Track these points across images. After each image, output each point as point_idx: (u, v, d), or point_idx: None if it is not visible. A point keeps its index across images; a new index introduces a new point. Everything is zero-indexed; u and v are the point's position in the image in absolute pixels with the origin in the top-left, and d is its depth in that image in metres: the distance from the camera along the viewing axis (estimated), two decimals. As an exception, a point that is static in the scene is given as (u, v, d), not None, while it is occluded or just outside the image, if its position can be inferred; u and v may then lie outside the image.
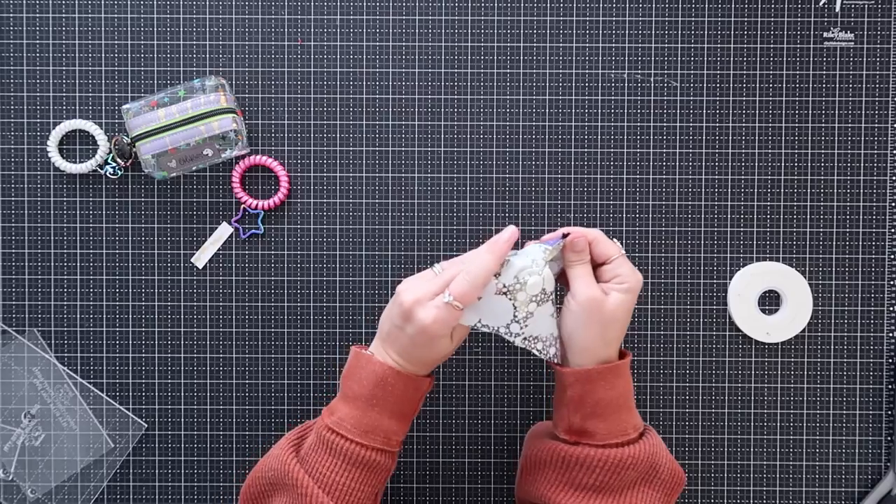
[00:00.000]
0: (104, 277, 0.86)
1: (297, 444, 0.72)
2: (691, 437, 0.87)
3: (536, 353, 0.71)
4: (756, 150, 0.86)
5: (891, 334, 0.87)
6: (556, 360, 0.72)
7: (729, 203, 0.87)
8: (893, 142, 0.86)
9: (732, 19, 0.86)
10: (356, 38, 0.86)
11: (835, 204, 0.87)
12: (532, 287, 0.69)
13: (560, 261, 0.73)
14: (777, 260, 0.87)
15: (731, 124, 0.86)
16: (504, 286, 0.69)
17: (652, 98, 0.86)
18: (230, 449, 0.87)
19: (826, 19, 0.86)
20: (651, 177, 0.87)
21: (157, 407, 0.87)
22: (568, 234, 0.72)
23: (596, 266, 0.73)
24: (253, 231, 0.86)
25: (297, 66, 0.86)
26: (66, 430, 0.86)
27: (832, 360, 0.87)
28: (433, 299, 0.68)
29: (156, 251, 0.86)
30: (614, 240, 0.73)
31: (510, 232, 0.69)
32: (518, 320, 0.70)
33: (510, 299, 0.69)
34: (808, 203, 0.87)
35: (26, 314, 0.86)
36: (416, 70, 0.86)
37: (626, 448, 0.69)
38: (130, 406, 0.87)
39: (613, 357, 0.71)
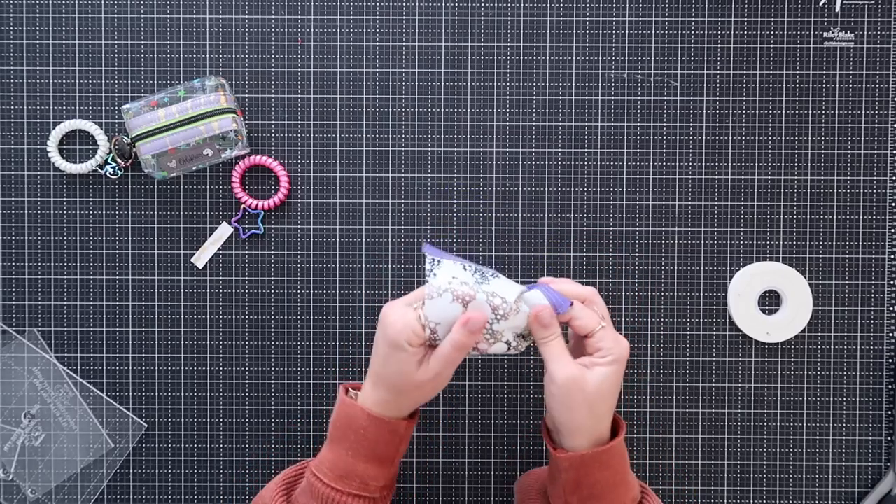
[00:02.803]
0: (104, 277, 0.86)
1: (290, 486, 0.71)
2: (691, 437, 0.87)
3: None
4: (756, 150, 0.86)
5: (891, 334, 0.87)
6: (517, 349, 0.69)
7: (729, 203, 0.87)
8: (893, 142, 0.87)
9: (732, 19, 0.86)
10: (356, 38, 0.86)
11: (835, 204, 0.87)
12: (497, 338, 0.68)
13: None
14: (777, 260, 0.87)
15: (731, 124, 0.86)
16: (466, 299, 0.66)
17: (652, 98, 0.86)
18: (230, 449, 0.87)
19: (826, 19, 0.86)
20: (651, 177, 0.87)
21: (157, 407, 0.87)
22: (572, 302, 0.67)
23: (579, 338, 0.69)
24: (253, 231, 0.86)
25: (297, 66, 0.86)
26: (66, 430, 0.86)
27: (832, 360, 0.87)
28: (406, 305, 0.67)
29: (156, 251, 0.86)
30: (594, 308, 0.68)
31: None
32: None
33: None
34: (808, 203, 0.87)
35: (26, 314, 0.86)
36: (416, 70, 0.86)
37: None
38: (130, 406, 0.87)
39: (607, 431, 0.67)
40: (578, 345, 0.70)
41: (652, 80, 0.86)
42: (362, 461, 0.67)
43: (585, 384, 0.65)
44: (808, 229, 0.87)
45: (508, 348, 0.68)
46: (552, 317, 0.66)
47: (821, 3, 0.86)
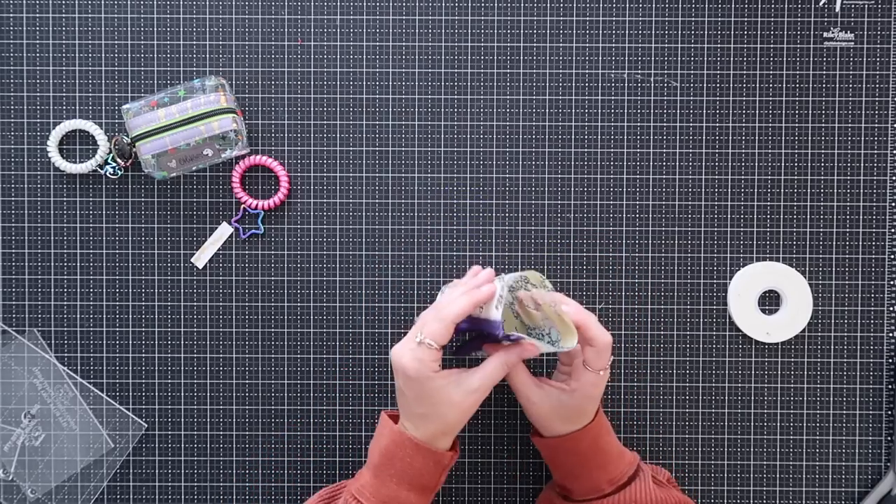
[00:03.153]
0: (104, 277, 0.86)
1: None
2: (691, 437, 0.87)
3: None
4: (756, 150, 0.86)
5: (891, 334, 0.87)
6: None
7: (729, 203, 0.87)
8: (893, 142, 0.87)
9: (732, 19, 0.86)
10: (356, 38, 0.86)
11: (835, 204, 0.87)
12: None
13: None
14: (777, 260, 0.87)
15: (731, 124, 0.86)
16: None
17: (652, 98, 0.86)
18: (230, 449, 0.87)
19: (826, 19, 0.86)
20: (651, 177, 0.87)
21: (157, 407, 0.87)
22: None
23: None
24: (253, 231, 0.86)
25: (297, 66, 0.86)
26: (66, 430, 0.86)
27: (832, 360, 0.87)
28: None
29: (156, 251, 0.86)
30: (610, 357, 0.73)
31: (486, 276, 0.72)
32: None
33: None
34: (808, 203, 0.87)
35: (26, 314, 0.86)
36: (416, 70, 0.86)
37: (603, 500, 0.73)
38: (130, 406, 0.87)
39: (579, 426, 0.74)
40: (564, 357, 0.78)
41: (652, 80, 0.86)
42: (405, 489, 0.70)
43: (529, 408, 0.74)
44: (808, 229, 0.87)
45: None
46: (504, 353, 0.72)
47: (821, 3, 0.86)
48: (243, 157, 0.85)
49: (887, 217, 0.87)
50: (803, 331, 0.87)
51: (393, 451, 0.70)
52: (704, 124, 0.86)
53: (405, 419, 0.71)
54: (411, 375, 0.68)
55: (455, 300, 0.69)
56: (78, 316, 0.86)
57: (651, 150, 0.86)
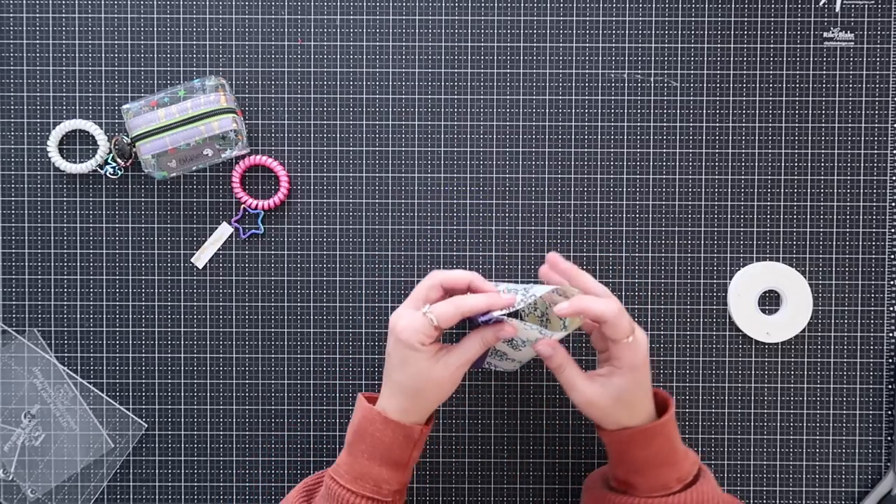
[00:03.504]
0: (104, 277, 0.86)
1: (311, 492, 0.74)
2: (691, 437, 0.87)
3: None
4: (756, 150, 0.87)
5: (891, 334, 0.87)
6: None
7: (729, 203, 0.87)
8: (893, 142, 0.87)
9: (732, 19, 0.86)
10: (356, 38, 0.86)
11: (835, 204, 0.87)
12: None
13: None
14: (777, 260, 0.87)
15: (731, 124, 0.86)
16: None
17: (652, 98, 0.86)
18: (230, 449, 0.87)
19: (826, 19, 0.86)
20: (651, 177, 0.87)
21: (157, 407, 0.87)
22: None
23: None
24: (253, 231, 0.86)
25: (297, 66, 0.86)
26: (66, 430, 0.86)
27: (832, 360, 0.87)
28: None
29: (156, 251, 0.86)
30: (630, 321, 0.71)
31: (509, 300, 0.71)
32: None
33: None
34: (808, 203, 0.87)
35: (26, 314, 0.86)
36: (416, 70, 0.86)
37: (670, 498, 0.71)
38: (130, 406, 0.87)
39: (646, 417, 0.72)
40: (599, 335, 0.76)
41: (652, 80, 0.86)
42: (377, 464, 0.70)
43: (600, 406, 0.72)
44: (808, 229, 0.87)
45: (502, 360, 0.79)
46: (553, 348, 0.72)
47: (821, 3, 0.86)
48: (243, 157, 0.85)
49: (887, 217, 0.87)
50: (803, 331, 0.87)
51: (364, 427, 0.71)
52: (704, 124, 0.86)
53: (385, 385, 0.72)
54: (402, 339, 0.69)
55: (475, 295, 0.70)
56: (78, 316, 0.86)
57: (651, 150, 0.86)
